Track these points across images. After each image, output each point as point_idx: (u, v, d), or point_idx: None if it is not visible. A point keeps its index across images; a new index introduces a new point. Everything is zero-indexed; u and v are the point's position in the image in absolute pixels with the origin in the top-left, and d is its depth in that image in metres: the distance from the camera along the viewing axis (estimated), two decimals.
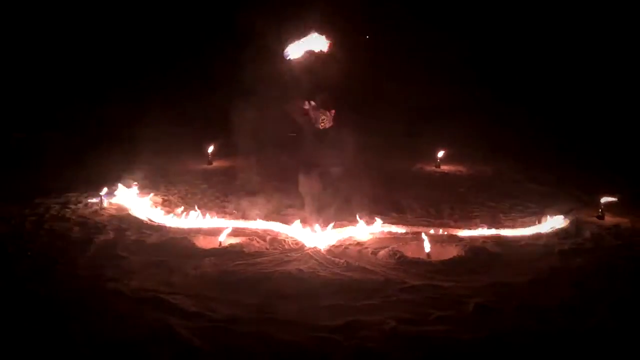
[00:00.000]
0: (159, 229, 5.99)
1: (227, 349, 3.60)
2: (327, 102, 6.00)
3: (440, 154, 9.37)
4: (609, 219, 6.36)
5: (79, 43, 12.13)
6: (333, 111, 5.92)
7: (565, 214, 6.34)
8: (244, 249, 5.38)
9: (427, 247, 5.39)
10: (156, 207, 6.81)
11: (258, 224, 6.21)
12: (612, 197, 6.57)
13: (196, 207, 6.53)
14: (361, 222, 6.08)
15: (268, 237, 5.74)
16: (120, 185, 7.10)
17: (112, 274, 4.75)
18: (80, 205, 6.73)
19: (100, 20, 12.23)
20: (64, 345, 3.60)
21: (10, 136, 10.14)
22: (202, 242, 5.67)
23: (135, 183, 7.29)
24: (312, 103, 6.01)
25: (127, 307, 4.12)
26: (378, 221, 6.16)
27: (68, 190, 7.14)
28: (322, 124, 5.64)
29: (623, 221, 6.27)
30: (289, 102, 6.18)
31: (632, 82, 11.66)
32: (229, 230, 5.74)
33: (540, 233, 5.97)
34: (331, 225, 5.94)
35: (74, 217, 6.24)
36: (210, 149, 9.41)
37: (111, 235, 5.72)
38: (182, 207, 6.60)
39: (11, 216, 6.20)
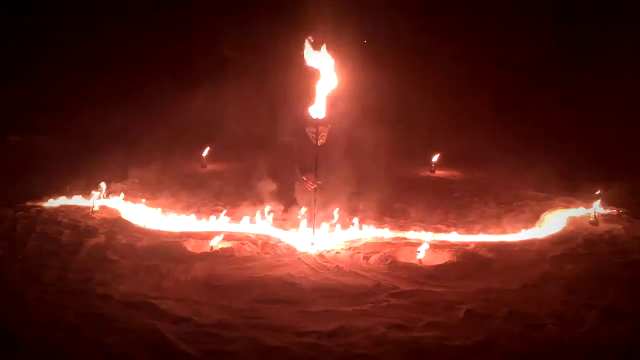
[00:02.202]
0: (150, 232, 5.96)
1: (215, 354, 3.57)
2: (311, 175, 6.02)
3: (435, 158, 9.37)
4: (603, 225, 6.35)
5: (74, 48, 12.10)
6: (329, 126, 6.00)
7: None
8: (235, 254, 5.37)
9: (420, 252, 5.35)
10: (149, 210, 6.79)
11: (250, 228, 6.19)
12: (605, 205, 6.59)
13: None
14: (353, 227, 6.08)
15: (260, 242, 5.71)
16: (104, 185, 7.07)
17: (102, 278, 4.71)
18: (71, 208, 6.70)
19: (99, 25, 12.19)
20: (51, 350, 3.56)
21: (5, 139, 10.11)
22: (193, 246, 5.64)
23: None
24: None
25: (116, 312, 4.08)
26: (371, 226, 6.17)
27: (60, 193, 7.11)
28: (321, 141, 5.73)
29: (617, 227, 6.25)
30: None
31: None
32: (221, 237, 5.70)
33: (533, 239, 5.96)
34: (324, 229, 5.93)
35: (65, 221, 6.20)
36: (205, 152, 9.42)
37: (102, 238, 5.69)
38: (174, 211, 6.57)
39: (2, 219, 6.17)
